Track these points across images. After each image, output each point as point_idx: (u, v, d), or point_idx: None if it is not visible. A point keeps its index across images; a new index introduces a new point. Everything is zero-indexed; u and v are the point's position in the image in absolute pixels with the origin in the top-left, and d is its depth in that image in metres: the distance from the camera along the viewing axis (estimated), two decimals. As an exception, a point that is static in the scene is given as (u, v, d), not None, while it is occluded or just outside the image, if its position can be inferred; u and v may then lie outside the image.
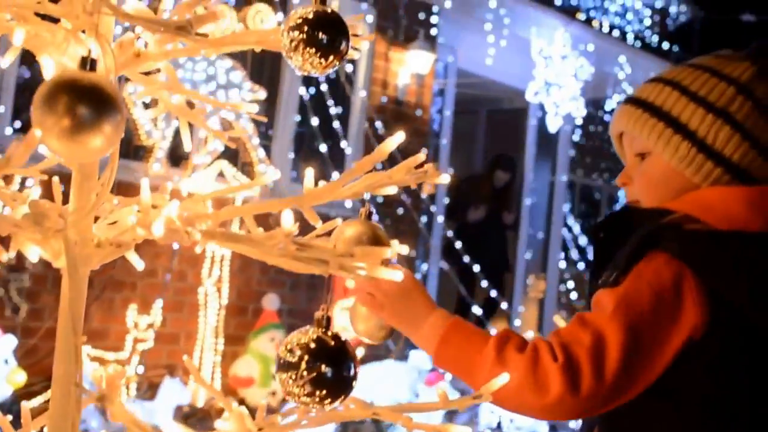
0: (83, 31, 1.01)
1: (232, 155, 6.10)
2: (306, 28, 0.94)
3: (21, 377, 4.92)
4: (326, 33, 0.95)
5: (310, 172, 1.03)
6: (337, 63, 0.97)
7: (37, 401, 5.03)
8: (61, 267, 1.06)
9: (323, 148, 6.76)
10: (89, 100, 0.78)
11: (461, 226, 8.31)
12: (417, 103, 7.79)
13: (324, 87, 6.75)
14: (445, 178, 1.10)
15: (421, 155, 1.02)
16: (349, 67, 7.02)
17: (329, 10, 0.97)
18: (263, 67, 6.68)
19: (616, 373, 1.42)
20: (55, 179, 1.18)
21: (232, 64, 5.99)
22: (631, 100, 1.69)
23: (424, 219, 7.89)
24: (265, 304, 6.47)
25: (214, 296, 5.91)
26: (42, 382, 5.29)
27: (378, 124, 7.22)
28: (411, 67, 7.56)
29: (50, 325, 5.47)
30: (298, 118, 6.93)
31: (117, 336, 5.35)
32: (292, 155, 6.98)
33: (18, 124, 5.61)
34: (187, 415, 5.59)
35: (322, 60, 0.96)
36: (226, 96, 5.87)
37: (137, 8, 0.96)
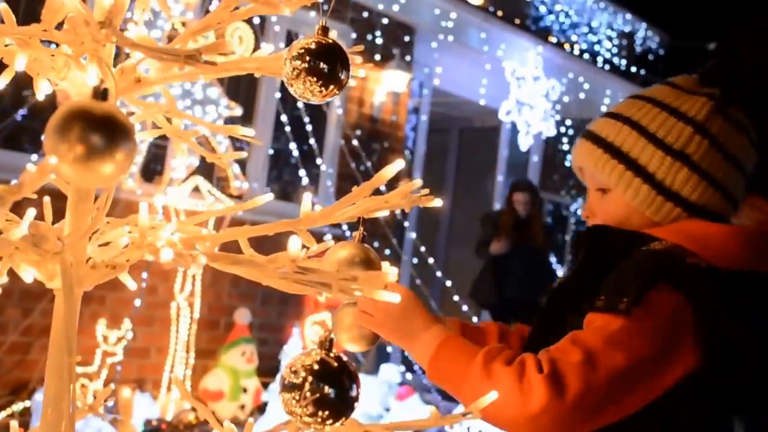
0: (84, 57, 1.02)
1: (206, 171, 6.09)
2: (308, 58, 0.97)
3: (-11, 391, 4.87)
4: (327, 63, 0.97)
5: (307, 196, 1.05)
6: (337, 92, 0.99)
7: (1, 415, 4.99)
8: (55, 288, 1.07)
9: (299, 164, 6.77)
10: (102, 128, 0.79)
11: (489, 262, 8.04)
12: (392, 120, 7.83)
13: (300, 104, 6.77)
14: (438, 203, 1.12)
15: (418, 181, 1.04)
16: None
17: (331, 41, 0.99)
18: (240, 83, 6.68)
19: (601, 393, 1.42)
20: (47, 199, 1.19)
21: (209, 80, 5.99)
22: (590, 136, 1.73)
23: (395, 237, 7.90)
24: (236, 319, 6.46)
25: (186, 310, 5.89)
26: (6, 395, 5.24)
27: (354, 141, 7.24)
28: (387, 85, 7.60)
29: (15, 339, 5.42)
30: (273, 134, 6.94)
31: (86, 350, 5.30)
32: (267, 171, 6.98)
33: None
34: (155, 429, 5.55)
35: (323, 89, 0.98)
36: (203, 111, 5.86)
37: (141, 36, 0.97)
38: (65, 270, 0.98)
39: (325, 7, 1.07)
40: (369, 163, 7.30)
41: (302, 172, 6.76)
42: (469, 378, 1.48)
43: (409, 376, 7.37)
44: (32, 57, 1.02)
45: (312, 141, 6.79)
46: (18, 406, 5.16)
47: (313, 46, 0.97)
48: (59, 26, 0.98)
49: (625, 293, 1.48)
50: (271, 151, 6.98)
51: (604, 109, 10.38)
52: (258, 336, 6.63)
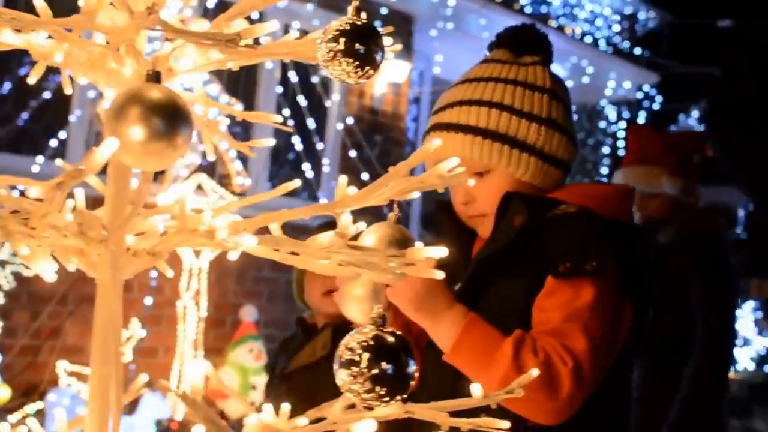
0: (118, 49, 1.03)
1: (209, 168, 6.10)
2: (343, 39, 0.97)
3: (5, 393, 4.89)
4: (363, 44, 0.98)
5: (343, 179, 1.06)
6: (372, 73, 1.00)
7: (15, 417, 5.00)
8: (97, 276, 1.08)
9: (300, 159, 6.77)
10: (162, 111, 0.80)
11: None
12: (393, 111, 7.83)
13: (300, 98, 6.77)
14: (471, 182, 1.13)
15: (454, 159, 1.05)
16: (325, 78, 7.05)
17: (365, 21, 1.00)
18: (239, 79, 6.68)
19: (600, 368, 1.62)
20: (80, 190, 1.20)
21: (209, 77, 5.99)
22: (452, 128, 1.80)
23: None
24: (243, 316, 6.47)
25: (192, 309, 5.90)
26: (18, 398, 5.25)
27: (355, 133, 7.24)
28: (387, 76, 7.59)
29: (24, 342, 5.43)
30: (273, 130, 6.94)
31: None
32: (269, 167, 6.99)
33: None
34: (165, 428, 5.56)
35: (358, 70, 0.99)
36: (200, 110, 5.85)
37: (176, 23, 0.98)
38: (110, 257, 0.99)
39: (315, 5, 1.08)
40: (371, 155, 7.31)
41: (305, 166, 6.76)
42: (498, 364, 1.57)
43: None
44: (68, 51, 1.02)
45: (313, 135, 6.79)
46: (31, 408, 5.17)
47: (347, 28, 0.98)
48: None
49: (588, 256, 1.61)
50: (272, 147, 6.98)
51: (609, 93, 10.40)
52: (265, 333, 6.64)
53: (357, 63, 0.98)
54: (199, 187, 5.81)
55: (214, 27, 1.05)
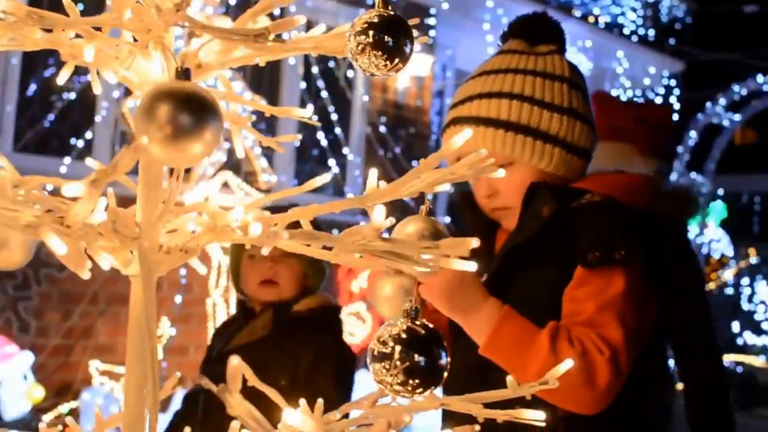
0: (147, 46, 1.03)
1: (234, 166, 6.12)
2: (372, 32, 0.97)
3: (39, 393, 4.94)
4: (392, 36, 0.97)
5: (373, 173, 1.05)
6: (401, 66, 1.00)
7: (49, 416, 5.06)
8: (131, 274, 1.09)
9: (325, 154, 6.78)
10: (190, 107, 0.81)
11: None
12: (417, 105, 7.82)
13: (324, 94, 6.78)
14: (501, 173, 1.12)
15: (483, 150, 1.05)
16: (349, 73, 7.05)
17: (393, 13, 1.00)
18: (262, 76, 6.70)
19: (634, 356, 1.63)
20: (111, 190, 1.21)
21: (232, 73, 6.01)
22: (474, 121, 1.79)
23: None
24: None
25: (222, 306, 5.92)
26: (51, 398, 5.30)
27: (380, 128, 7.24)
28: (410, 70, 7.58)
29: (56, 342, 5.48)
30: (298, 126, 6.96)
31: (124, 350, 5.35)
32: (294, 163, 7.00)
33: (20, 143, 5.63)
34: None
35: (387, 62, 0.98)
36: (227, 106, 5.87)
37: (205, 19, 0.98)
38: (143, 255, 1.00)
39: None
40: (396, 150, 7.30)
41: (330, 162, 6.77)
42: (535, 355, 1.57)
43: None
44: (97, 49, 1.03)
45: (338, 130, 6.80)
46: (65, 407, 5.22)
47: (375, 20, 0.98)
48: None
49: (617, 245, 1.62)
50: (298, 143, 7.00)
51: (633, 82, 10.31)
52: (294, 327, 6.64)
53: (386, 55, 0.97)
54: (225, 185, 5.84)
55: (241, 23, 1.05)
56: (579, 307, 1.64)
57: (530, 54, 1.85)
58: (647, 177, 1.89)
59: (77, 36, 1.04)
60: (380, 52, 0.97)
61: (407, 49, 0.99)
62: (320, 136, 6.73)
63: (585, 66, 9.14)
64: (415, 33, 1.12)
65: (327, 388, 2.25)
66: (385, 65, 0.98)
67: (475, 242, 0.94)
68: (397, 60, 0.98)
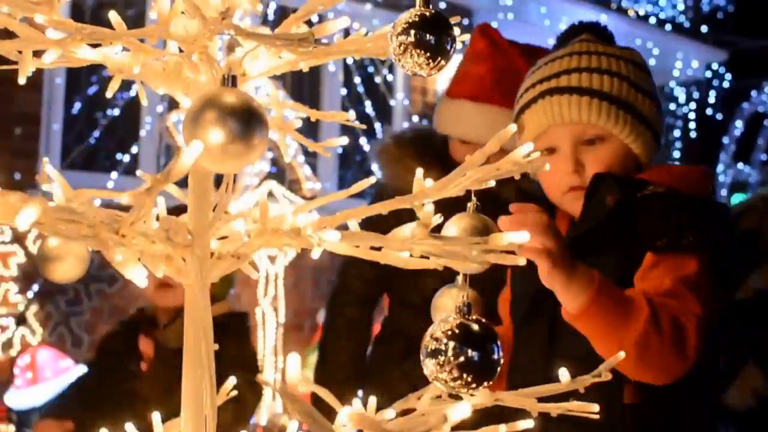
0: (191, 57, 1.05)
1: (278, 175, 6.16)
2: (413, 32, 0.97)
3: (94, 406, 5.00)
4: (433, 35, 0.98)
5: (419, 171, 1.06)
6: (444, 64, 1.00)
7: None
8: (184, 281, 1.10)
9: (368, 160, 6.80)
10: (238, 114, 0.82)
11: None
12: (457, 107, 7.79)
13: (365, 100, 6.80)
14: (546, 167, 1.12)
15: (529, 145, 1.05)
16: (388, 77, 7.06)
17: (434, 11, 1.00)
18: (302, 85, 6.74)
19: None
20: (161, 199, 1.23)
21: (273, 83, 6.06)
22: (578, 91, 1.78)
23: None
24: (320, 320, 6.51)
25: (271, 315, 5.97)
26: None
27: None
28: (450, 71, 7.55)
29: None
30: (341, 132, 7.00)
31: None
32: (338, 170, 7.03)
33: (68, 161, 5.72)
34: (251, 433, 5.64)
35: (430, 61, 0.99)
36: (272, 113, 5.92)
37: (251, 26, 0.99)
38: (196, 261, 1.01)
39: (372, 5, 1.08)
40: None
41: (374, 167, 6.78)
42: (635, 322, 1.53)
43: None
44: (143, 62, 1.05)
45: (380, 135, 6.82)
46: (120, 419, 5.28)
47: (416, 19, 0.98)
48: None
49: (684, 231, 1.63)
50: (340, 150, 7.03)
51: (676, 74, 10.20)
52: (343, 334, 6.67)
53: (428, 54, 0.98)
54: (270, 194, 5.89)
55: (284, 28, 1.06)
56: (656, 283, 1.62)
57: (608, 46, 1.87)
58: (705, 168, 1.87)
59: (123, 49, 1.07)
60: (423, 51, 0.97)
61: (449, 47, 0.99)
62: (363, 142, 6.75)
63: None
64: (458, 31, 1.13)
65: (242, 392, 2.24)
66: (428, 64, 0.98)
67: (525, 236, 0.94)
68: (439, 58, 0.99)
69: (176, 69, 1.07)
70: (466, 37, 1.14)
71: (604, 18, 8.92)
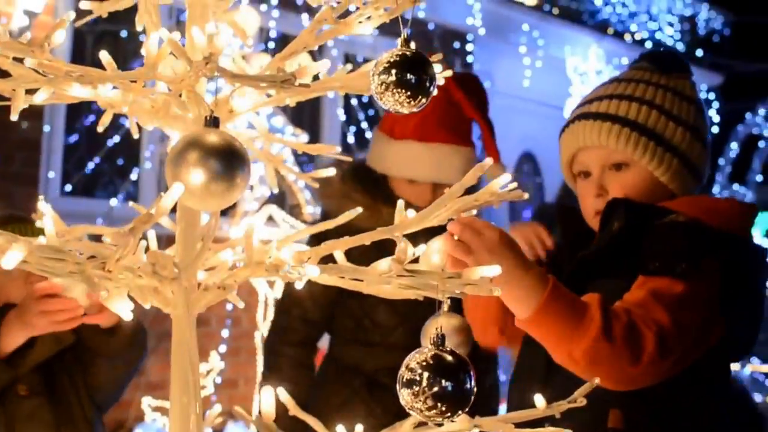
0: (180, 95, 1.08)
1: (278, 199, 6.19)
2: (394, 71, 1.00)
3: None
4: (414, 74, 1.01)
5: (401, 203, 1.09)
6: (425, 101, 1.03)
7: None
8: (172, 313, 1.13)
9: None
10: (220, 154, 0.85)
11: None
12: (456, 131, 7.83)
13: (365, 124, 6.84)
14: (525, 196, 1.15)
15: (506, 176, 1.08)
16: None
17: (414, 51, 1.03)
18: (303, 108, 6.78)
19: (682, 351, 1.59)
20: (152, 232, 1.25)
21: (273, 109, 6.09)
22: (601, 117, 1.83)
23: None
24: (319, 343, 6.51)
25: (270, 339, 5.97)
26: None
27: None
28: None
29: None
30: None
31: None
32: (337, 194, 7.04)
33: (68, 187, 5.75)
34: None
35: (411, 100, 1.02)
36: (261, 145, 5.95)
37: (236, 67, 1.03)
38: (182, 294, 1.04)
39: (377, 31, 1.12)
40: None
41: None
42: (586, 329, 1.52)
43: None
44: (133, 99, 1.08)
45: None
46: (119, 445, 5.29)
47: (398, 59, 1.01)
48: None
49: (680, 259, 1.62)
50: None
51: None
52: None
53: (409, 92, 1.01)
54: (270, 219, 5.91)
55: (271, 66, 1.10)
56: (630, 295, 1.63)
57: (663, 74, 1.89)
58: (745, 204, 1.86)
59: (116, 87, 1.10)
60: (403, 90, 1.01)
61: (429, 86, 1.02)
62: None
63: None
64: (440, 68, 1.16)
65: None
66: (409, 102, 1.02)
67: (495, 270, 0.97)
68: (420, 96, 1.02)
69: (165, 106, 1.11)
70: (449, 72, 1.17)
71: (600, 43, 9.00)
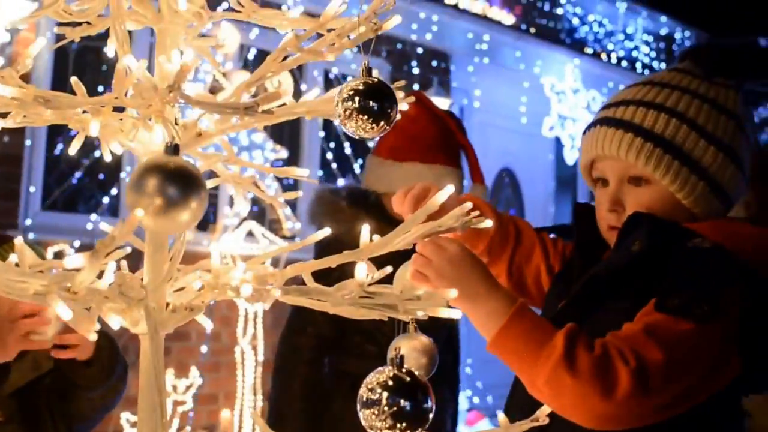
0: (149, 119, 1.11)
1: (258, 214, 6.21)
2: (358, 98, 1.05)
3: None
4: (376, 101, 1.05)
5: (366, 228, 1.12)
6: (387, 127, 1.07)
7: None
8: (140, 332, 1.15)
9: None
10: (177, 180, 0.88)
11: None
12: (436, 148, 7.89)
13: (345, 140, 6.88)
14: (488, 223, 1.18)
15: (469, 204, 1.11)
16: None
17: (377, 80, 1.07)
18: (283, 125, 6.80)
19: (675, 393, 1.43)
20: (126, 250, 1.28)
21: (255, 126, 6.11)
22: (625, 126, 1.66)
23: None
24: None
25: (250, 354, 5.98)
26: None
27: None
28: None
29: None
30: (320, 172, 7.06)
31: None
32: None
33: (50, 202, 5.75)
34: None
35: (374, 125, 1.06)
36: (249, 156, 6.00)
37: (201, 94, 1.06)
38: (150, 314, 1.06)
39: (357, 50, 1.15)
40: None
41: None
42: (547, 358, 1.41)
43: (476, 400, 7.36)
44: (103, 123, 1.10)
45: (359, 174, 6.88)
46: (97, 461, 5.27)
47: (361, 87, 1.05)
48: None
49: (703, 299, 1.45)
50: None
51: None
52: (323, 373, 6.68)
53: (372, 119, 1.05)
54: (250, 234, 5.93)
55: (237, 93, 1.13)
56: (627, 325, 1.47)
57: (705, 80, 1.69)
58: None
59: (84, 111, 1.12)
60: (366, 116, 1.05)
61: (391, 112, 1.06)
62: (341, 181, 6.81)
63: (599, 100, 9.24)
64: (402, 94, 1.19)
65: None
66: (372, 128, 1.06)
67: (454, 293, 0.99)
68: (382, 122, 1.06)
69: (134, 130, 1.13)
70: (412, 98, 1.20)
71: (577, 62, 9.10)
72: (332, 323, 2.82)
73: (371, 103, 1.05)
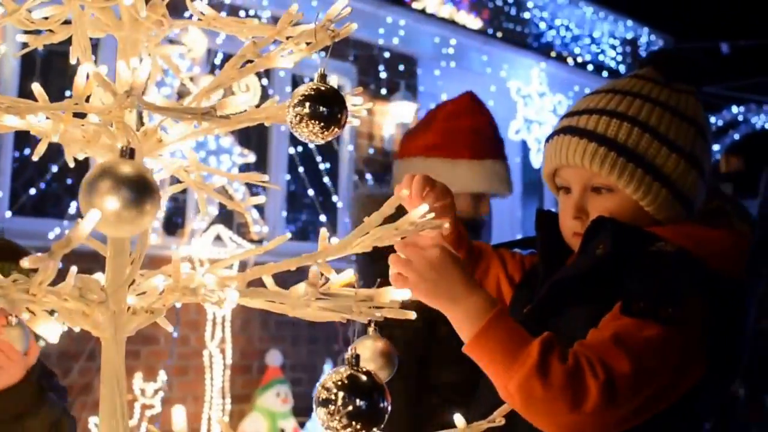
0: (111, 125, 1.13)
1: (226, 218, 6.21)
2: (308, 104, 1.08)
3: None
4: (326, 106, 1.08)
5: (323, 232, 1.15)
6: (338, 131, 1.10)
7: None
8: (101, 335, 1.17)
9: (315, 203, 6.88)
10: (131, 183, 0.90)
11: None
12: (403, 151, 7.93)
13: (311, 144, 6.89)
14: (445, 226, 1.21)
15: (424, 207, 1.13)
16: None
17: (328, 87, 1.10)
18: (250, 129, 6.82)
19: (641, 402, 1.46)
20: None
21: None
22: (589, 136, 1.68)
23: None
24: (268, 361, 6.54)
25: (218, 357, 5.99)
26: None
27: (367, 175, 7.35)
28: (395, 117, 7.72)
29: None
30: (288, 176, 7.07)
31: (126, 405, 5.39)
32: (285, 213, 7.10)
33: (18, 206, 5.72)
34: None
35: (324, 131, 1.09)
36: (217, 161, 6.00)
37: (162, 99, 1.08)
38: (110, 317, 1.08)
39: (324, 54, 1.18)
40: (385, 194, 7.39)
41: (319, 211, 6.87)
42: (522, 365, 1.43)
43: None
44: (64, 129, 1.12)
45: (326, 179, 6.90)
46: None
47: (312, 93, 1.09)
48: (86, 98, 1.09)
49: (666, 302, 1.48)
50: (285, 193, 7.10)
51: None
52: (291, 376, 6.71)
53: (322, 124, 1.08)
54: (218, 238, 5.93)
55: (197, 98, 1.15)
56: (594, 333, 1.49)
57: (665, 87, 1.73)
58: (740, 235, 1.68)
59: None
60: (316, 121, 1.08)
61: (341, 117, 1.09)
62: (309, 185, 6.83)
63: (564, 104, 9.32)
64: (360, 99, 1.22)
65: None
66: (322, 132, 1.09)
67: (407, 293, 1.02)
68: (333, 127, 1.09)
69: (95, 135, 1.15)
70: (370, 105, 1.23)
71: (543, 66, 9.18)
72: (423, 340, 2.74)
73: (321, 108, 1.08)
